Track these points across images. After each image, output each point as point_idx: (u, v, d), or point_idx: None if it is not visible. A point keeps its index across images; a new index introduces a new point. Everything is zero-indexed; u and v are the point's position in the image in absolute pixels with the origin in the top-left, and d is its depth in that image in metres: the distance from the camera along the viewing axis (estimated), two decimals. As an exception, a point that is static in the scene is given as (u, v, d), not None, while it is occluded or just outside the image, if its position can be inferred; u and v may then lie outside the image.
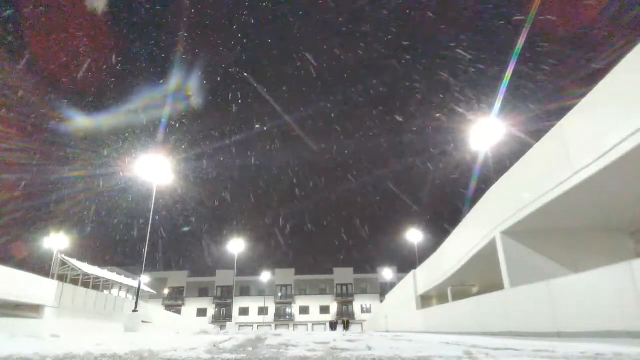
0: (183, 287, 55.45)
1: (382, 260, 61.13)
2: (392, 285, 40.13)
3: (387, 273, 52.55)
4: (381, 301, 45.11)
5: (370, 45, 77.37)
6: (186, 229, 60.64)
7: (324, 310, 54.13)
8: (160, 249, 53.91)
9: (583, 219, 8.18)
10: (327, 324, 39.66)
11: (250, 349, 3.49)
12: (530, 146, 7.90)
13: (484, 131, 14.51)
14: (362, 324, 47.44)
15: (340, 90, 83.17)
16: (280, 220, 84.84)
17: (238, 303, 53.10)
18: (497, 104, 17.45)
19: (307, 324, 53.71)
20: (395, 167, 75.80)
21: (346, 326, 33.71)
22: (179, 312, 50.81)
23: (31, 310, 15.98)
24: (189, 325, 33.83)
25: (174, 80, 50.32)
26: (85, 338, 5.09)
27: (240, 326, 48.07)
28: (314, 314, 54.54)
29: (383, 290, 50.38)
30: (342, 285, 55.51)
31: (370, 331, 27.75)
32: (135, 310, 16.80)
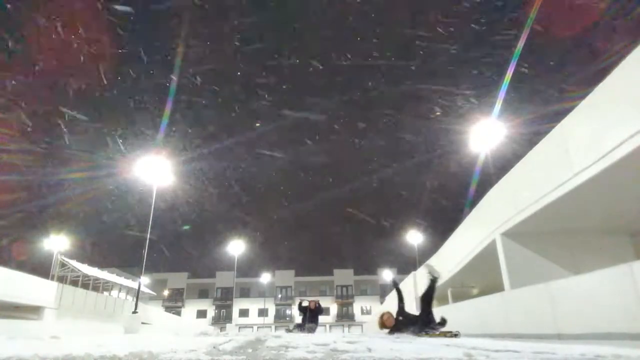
0: (183, 289, 55.39)
1: (382, 261, 61.01)
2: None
3: (387, 274, 52.48)
4: (381, 302, 45.04)
5: (369, 46, 77.52)
6: (186, 227, 60.50)
7: (324, 311, 54.05)
8: (160, 250, 53.85)
9: (583, 221, 8.18)
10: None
11: (250, 350, 3.49)
12: (530, 147, 7.91)
13: (484, 133, 14.54)
14: (362, 325, 47.36)
15: (340, 90, 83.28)
16: (281, 221, 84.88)
17: (238, 304, 53.04)
18: (498, 106, 17.52)
19: (307, 326, 53.55)
20: (396, 169, 75.86)
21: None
22: (178, 313, 50.78)
23: (31, 311, 15.97)
24: (189, 327, 33.79)
25: (175, 79, 50.38)
26: (85, 339, 5.09)
27: (240, 328, 48.01)
28: (314, 316, 54.37)
29: (383, 291, 50.24)
30: (342, 286, 55.42)
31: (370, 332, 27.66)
32: (135, 312, 16.77)
